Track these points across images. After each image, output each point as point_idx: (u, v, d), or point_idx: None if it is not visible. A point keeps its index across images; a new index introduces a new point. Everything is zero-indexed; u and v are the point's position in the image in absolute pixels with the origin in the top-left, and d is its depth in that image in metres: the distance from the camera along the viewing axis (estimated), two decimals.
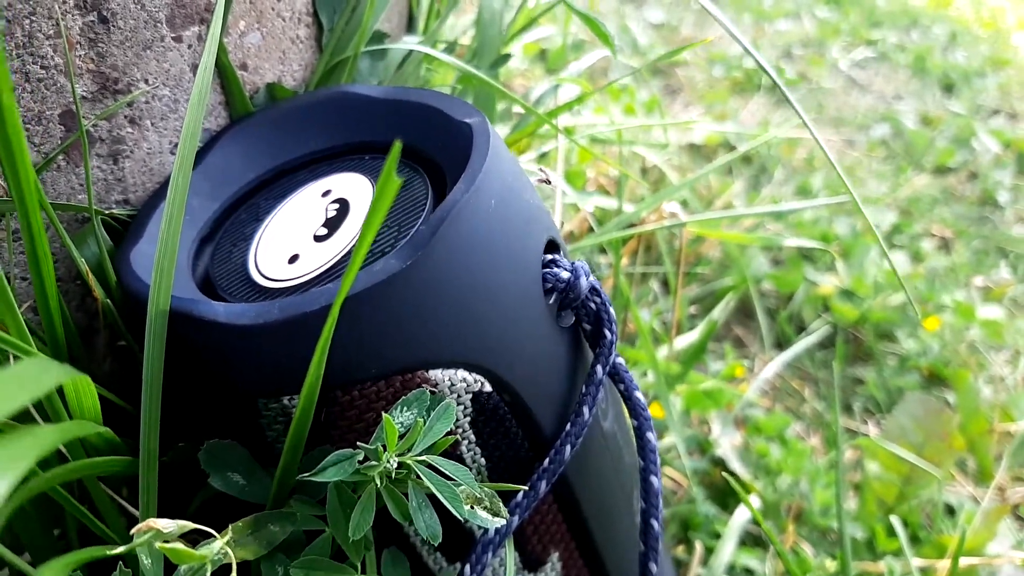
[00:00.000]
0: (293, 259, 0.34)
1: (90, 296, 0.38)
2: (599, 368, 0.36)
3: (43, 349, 0.32)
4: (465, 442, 0.34)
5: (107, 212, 0.37)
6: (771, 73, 0.41)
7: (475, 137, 0.34)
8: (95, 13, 0.34)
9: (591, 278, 0.36)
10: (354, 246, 0.33)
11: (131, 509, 0.38)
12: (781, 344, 0.98)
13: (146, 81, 0.36)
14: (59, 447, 0.32)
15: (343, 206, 0.36)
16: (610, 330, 0.37)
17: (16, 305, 0.28)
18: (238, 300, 0.34)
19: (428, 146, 0.37)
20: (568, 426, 0.36)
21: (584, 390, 0.36)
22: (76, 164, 0.36)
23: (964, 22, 2.14)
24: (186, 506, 0.36)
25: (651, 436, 0.38)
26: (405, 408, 0.30)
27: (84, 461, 0.32)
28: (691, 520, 0.71)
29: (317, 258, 0.34)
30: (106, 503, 0.35)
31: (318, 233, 0.35)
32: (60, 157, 0.35)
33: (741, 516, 0.69)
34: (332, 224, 0.35)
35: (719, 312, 0.95)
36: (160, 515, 0.32)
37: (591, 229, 0.87)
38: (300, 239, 0.35)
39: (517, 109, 0.70)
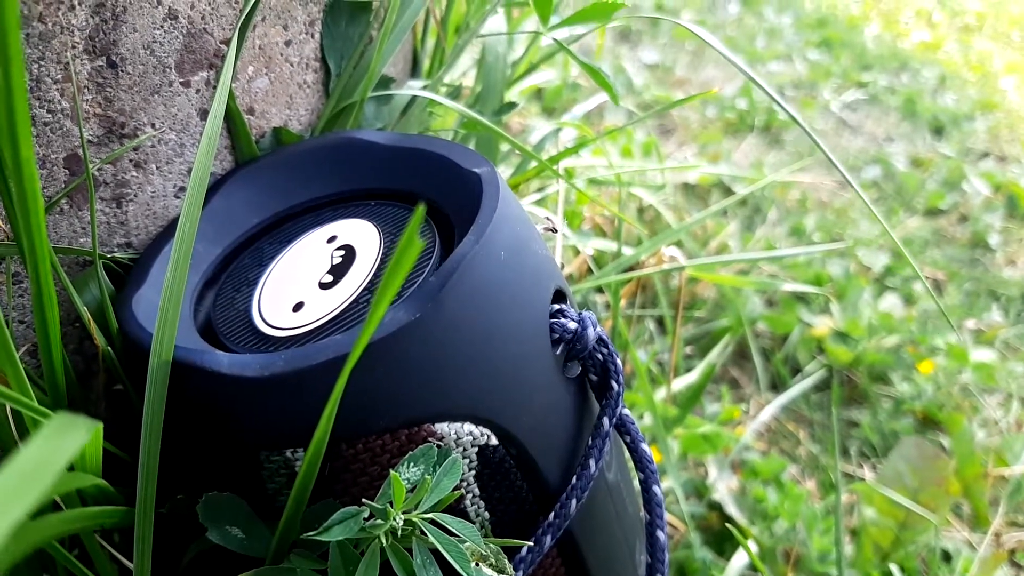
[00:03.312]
0: (298, 307, 0.34)
1: (88, 339, 0.37)
2: (605, 420, 0.36)
3: (43, 399, 0.31)
4: (469, 496, 0.33)
5: (109, 256, 0.37)
6: (800, 121, 0.41)
7: (484, 187, 0.34)
8: (104, 58, 0.34)
9: (598, 328, 0.36)
10: (361, 295, 0.33)
11: (122, 559, 0.37)
12: (776, 385, 0.98)
13: (153, 125, 0.36)
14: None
15: (349, 253, 0.36)
16: (617, 381, 0.36)
17: (16, 354, 0.28)
18: (241, 348, 0.33)
19: (435, 194, 0.36)
20: (574, 479, 0.35)
21: (590, 442, 0.36)
22: (79, 207, 0.36)
23: (953, 66, 2.17)
24: (178, 556, 0.36)
25: (657, 490, 0.37)
26: (412, 464, 0.29)
27: (79, 512, 0.31)
28: (688, 566, 0.70)
29: (323, 306, 0.33)
30: (97, 551, 0.34)
31: (323, 280, 0.35)
32: (63, 200, 0.35)
33: (738, 562, 0.68)
34: (338, 271, 0.35)
35: (716, 355, 0.95)
36: (152, 566, 0.32)
37: (590, 270, 0.87)
38: (305, 286, 0.35)
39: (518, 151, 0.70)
